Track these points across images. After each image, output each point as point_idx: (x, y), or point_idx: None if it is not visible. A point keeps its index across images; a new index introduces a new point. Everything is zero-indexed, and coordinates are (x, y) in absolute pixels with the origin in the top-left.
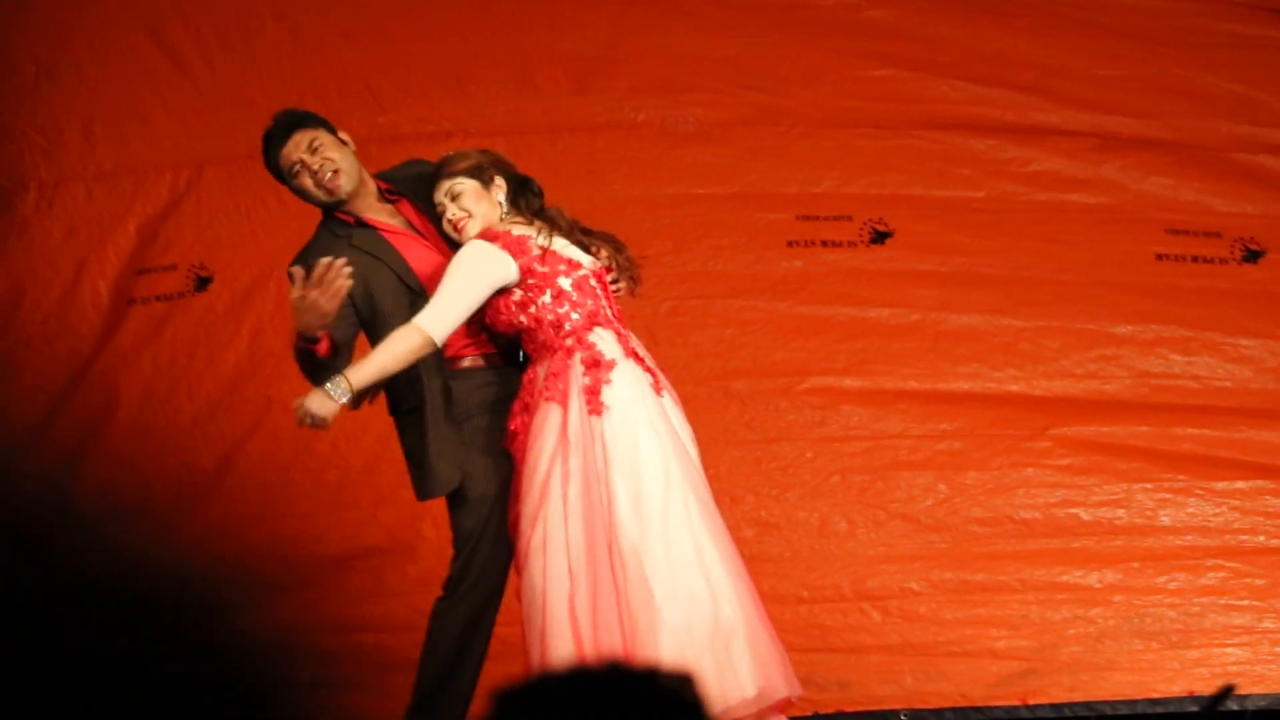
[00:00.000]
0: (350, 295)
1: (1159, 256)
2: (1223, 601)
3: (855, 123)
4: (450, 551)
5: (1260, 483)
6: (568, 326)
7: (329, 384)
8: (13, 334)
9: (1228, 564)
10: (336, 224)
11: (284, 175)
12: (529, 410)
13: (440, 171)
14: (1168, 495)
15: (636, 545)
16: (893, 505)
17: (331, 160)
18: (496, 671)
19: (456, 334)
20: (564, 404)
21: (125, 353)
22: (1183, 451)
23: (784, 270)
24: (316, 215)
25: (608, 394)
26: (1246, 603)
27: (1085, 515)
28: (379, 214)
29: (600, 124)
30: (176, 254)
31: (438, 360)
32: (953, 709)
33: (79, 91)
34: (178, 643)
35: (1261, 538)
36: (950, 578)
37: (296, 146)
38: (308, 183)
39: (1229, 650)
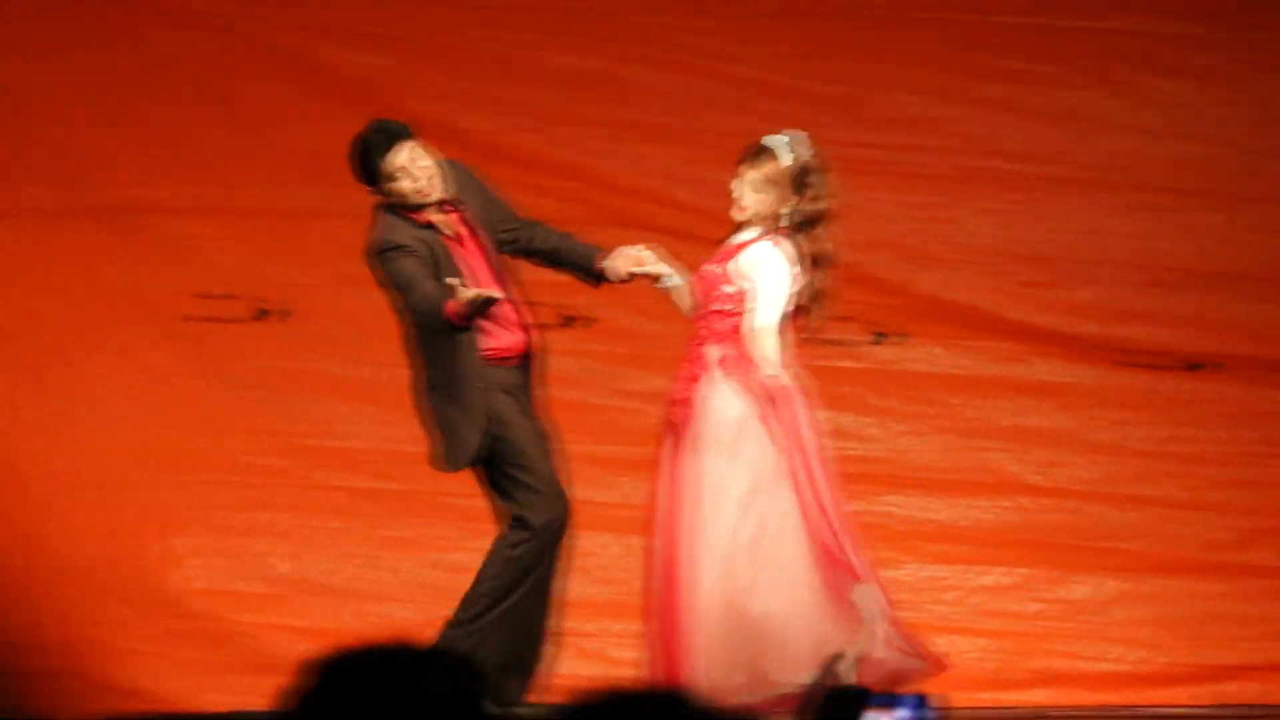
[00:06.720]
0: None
1: None
2: None
3: None
4: None
5: None
6: None
7: None
8: None
9: None
10: (404, 218)
11: (377, 177)
12: None
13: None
14: None
15: None
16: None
17: (428, 168)
18: None
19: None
20: None
21: None
22: None
23: None
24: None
25: None
26: None
27: None
28: (435, 216)
29: None
30: None
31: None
32: None
33: None
34: None
35: None
36: None
37: (397, 154)
38: (406, 186)
39: None
